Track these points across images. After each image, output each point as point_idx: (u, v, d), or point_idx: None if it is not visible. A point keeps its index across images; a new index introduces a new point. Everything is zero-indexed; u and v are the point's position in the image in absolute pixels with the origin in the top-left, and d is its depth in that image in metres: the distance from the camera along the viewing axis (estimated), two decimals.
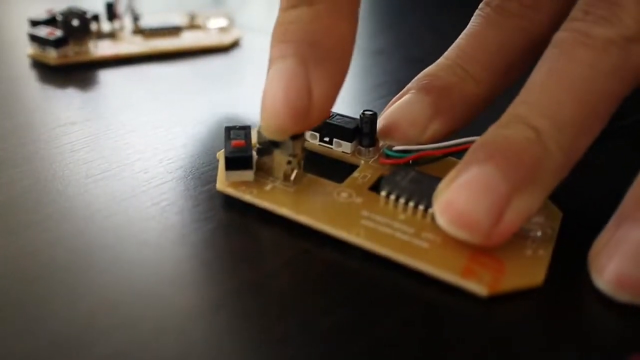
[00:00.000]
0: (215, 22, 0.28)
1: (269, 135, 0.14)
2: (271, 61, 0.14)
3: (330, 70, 0.14)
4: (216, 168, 0.17)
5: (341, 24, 0.14)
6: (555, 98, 0.13)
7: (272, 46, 0.14)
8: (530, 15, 0.16)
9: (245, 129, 0.16)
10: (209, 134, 0.19)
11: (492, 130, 0.14)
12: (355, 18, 0.14)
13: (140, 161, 0.17)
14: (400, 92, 0.17)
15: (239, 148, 0.15)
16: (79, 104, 0.21)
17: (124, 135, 0.19)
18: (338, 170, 0.16)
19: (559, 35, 0.14)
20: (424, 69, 0.17)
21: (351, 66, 0.14)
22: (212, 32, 0.28)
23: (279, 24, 0.14)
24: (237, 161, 0.14)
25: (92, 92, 0.22)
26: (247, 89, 0.23)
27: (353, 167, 0.16)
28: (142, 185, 0.16)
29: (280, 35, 0.14)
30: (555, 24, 0.15)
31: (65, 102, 0.21)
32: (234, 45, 0.27)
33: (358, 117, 0.17)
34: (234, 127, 0.16)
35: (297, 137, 0.15)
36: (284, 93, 0.13)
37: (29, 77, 0.23)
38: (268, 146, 0.15)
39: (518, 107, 0.14)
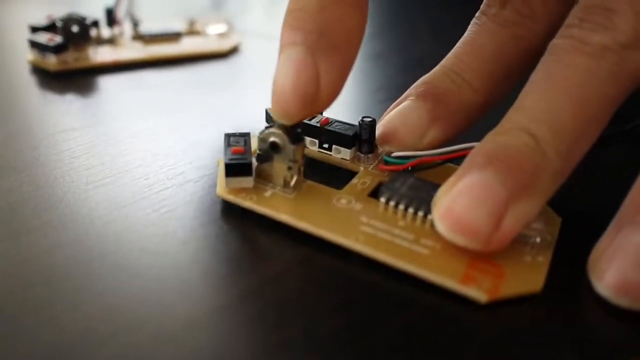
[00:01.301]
0: (215, 28, 0.28)
1: (277, 119, 0.14)
2: (281, 47, 0.14)
3: (337, 60, 0.14)
4: (216, 174, 0.17)
5: (350, 13, 0.14)
6: (552, 104, 0.13)
7: (283, 32, 0.14)
8: (526, 23, 0.16)
9: (245, 136, 0.16)
10: (209, 140, 0.19)
11: (491, 137, 0.14)
12: (364, 6, 0.14)
13: (140, 167, 0.17)
14: (399, 99, 0.17)
15: (238, 155, 0.15)
16: (78, 110, 0.21)
17: (124, 142, 0.19)
18: (337, 176, 0.16)
19: (555, 42, 0.14)
20: (423, 73, 0.17)
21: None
22: (211, 37, 0.28)
23: (289, 10, 0.14)
24: (236, 168, 0.14)
25: (91, 98, 0.22)
26: (246, 94, 0.23)
27: (352, 174, 0.16)
28: (142, 192, 0.16)
29: (291, 21, 0.14)
30: (551, 32, 0.15)
31: (65, 108, 0.21)
32: (233, 51, 0.27)
33: (357, 123, 0.17)
34: (233, 134, 0.16)
35: (298, 142, 0.15)
36: (293, 80, 0.13)
37: (29, 83, 0.23)
38: (268, 152, 0.15)
39: (516, 113, 0.14)
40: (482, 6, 0.17)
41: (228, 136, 0.16)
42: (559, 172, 0.13)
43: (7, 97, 0.22)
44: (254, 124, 0.20)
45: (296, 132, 0.15)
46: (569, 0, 0.15)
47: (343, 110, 0.22)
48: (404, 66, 0.27)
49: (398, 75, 0.26)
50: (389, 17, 0.34)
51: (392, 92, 0.23)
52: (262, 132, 0.15)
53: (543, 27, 0.16)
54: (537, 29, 0.16)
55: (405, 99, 0.17)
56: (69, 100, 0.22)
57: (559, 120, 0.13)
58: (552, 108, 0.13)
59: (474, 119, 0.17)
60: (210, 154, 0.18)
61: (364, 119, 0.16)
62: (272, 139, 0.15)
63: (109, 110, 0.21)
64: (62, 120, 0.20)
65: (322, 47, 0.14)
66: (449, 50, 0.17)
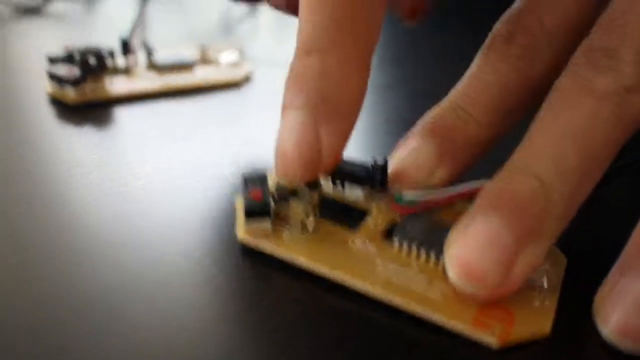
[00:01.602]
0: (227, 56, 0.29)
1: (281, 181, 0.15)
2: (284, 108, 0.15)
3: (339, 125, 0.15)
4: (232, 211, 0.17)
5: (352, 77, 0.15)
6: (558, 147, 0.14)
7: (286, 91, 0.15)
8: (532, 60, 0.17)
9: (262, 178, 0.16)
10: (224, 175, 0.20)
11: (497, 181, 0.14)
12: (367, 69, 0.15)
13: (155, 206, 0.18)
14: (407, 135, 0.18)
15: (256, 199, 0.15)
16: (95, 144, 0.22)
17: (139, 178, 0.19)
18: (351, 214, 0.17)
19: (562, 82, 0.14)
20: (431, 104, 0.18)
21: None
22: (223, 66, 0.28)
23: (293, 70, 0.15)
24: (255, 212, 0.15)
25: (107, 131, 0.23)
26: (259, 126, 0.24)
27: (365, 212, 0.17)
28: (157, 230, 0.17)
29: (293, 82, 0.15)
30: (557, 68, 0.15)
31: (82, 141, 0.22)
32: (245, 80, 0.28)
33: (368, 159, 0.17)
34: (250, 176, 0.16)
35: (314, 186, 0.15)
36: (295, 146, 0.14)
37: (47, 115, 0.24)
38: (285, 195, 0.15)
39: (522, 155, 0.14)
40: (487, 40, 0.18)
41: (245, 178, 0.16)
42: (564, 214, 0.14)
43: (25, 128, 0.23)
44: (269, 156, 0.20)
45: (314, 180, 0.15)
46: (575, 37, 0.16)
47: (353, 141, 0.22)
48: (414, 97, 0.27)
49: (408, 107, 0.26)
50: (397, 49, 0.35)
51: (401, 124, 0.24)
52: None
53: (549, 63, 0.17)
54: (542, 65, 0.17)
55: (413, 135, 0.17)
56: (85, 132, 0.23)
57: (565, 164, 0.14)
58: (558, 151, 0.14)
59: (480, 154, 0.17)
60: (226, 188, 0.19)
61: (376, 160, 0.17)
62: (291, 186, 0.15)
63: (124, 144, 0.22)
64: (79, 155, 0.21)
65: (323, 112, 0.14)
66: (456, 81, 0.18)
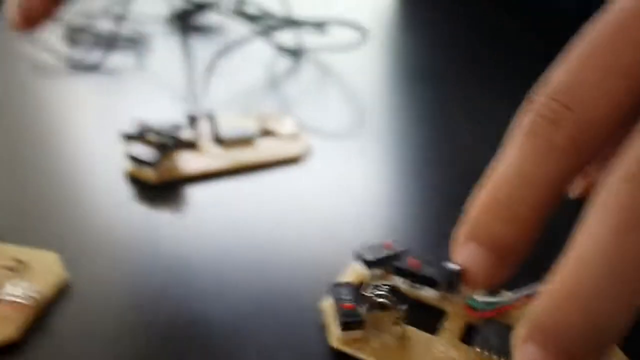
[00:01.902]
0: (285, 127, 0.31)
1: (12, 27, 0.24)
2: None
3: None
4: (314, 309, 0.19)
5: None
6: (615, 275, 0.13)
7: None
8: (579, 151, 0.15)
9: (350, 286, 0.18)
10: (300, 269, 0.21)
11: (544, 311, 0.14)
12: None
13: (236, 300, 0.19)
14: (455, 239, 0.17)
15: (349, 311, 0.17)
16: (172, 230, 0.23)
17: (218, 272, 0.21)
18: (430, 314, 0.19)
19: (621, 196, 0.13)
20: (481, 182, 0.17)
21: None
22: (283, 138, 0.30)
23: None
24: (349, 323, 0.17)
25: (180, 215, 0.25)
26: (324, 205, 0.26)
27: (442, 311, 0.19)
28: (240, 329, 0.18)
29: None
30: (602, 160, 0.15)
31: (158, 225, 0.24)
32: (305, 154, 0.29)
33: (441, 262, 0.19)
34: (339, 286, 0.18)
35: (404, 302, 0.17)
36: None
37: (125, 193, 0.26)
38: (375, 305, 0.17)
39: (570, 276, 0.13)
40: (527, 118, 0.16)
41: (335, 289, 0.18)
42: (617, 337, 0.13)
43: (99, 200, 0.25)
44: (339, 245, 0.22)
45: (401, 293, 0.17)
46: (621, 123, 0.15)
47: (416, 227, 0.24)
48: (461, 175, 0.28)
49: (457, 186, 0.28)
50: (445, 127, 0.36)
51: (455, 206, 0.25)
52: (368, 290, 0.17)
53: (594, 156, 0.16)
54: (588, 158, 0.15)
55: (461, 245, 0.17)
56: (162, 214, 0.25)
57: (621, 294, 0.13)
58: (614, 280, 0.13)
59: (528, 248, 0.17)
60: (304, 284, 0.20)
61: (449, 266, 0.18)
62: (380, 300, 0.17)
63: (198, 228, 0.24)
64: (157, 241, 0.23)
65: None
66: None
